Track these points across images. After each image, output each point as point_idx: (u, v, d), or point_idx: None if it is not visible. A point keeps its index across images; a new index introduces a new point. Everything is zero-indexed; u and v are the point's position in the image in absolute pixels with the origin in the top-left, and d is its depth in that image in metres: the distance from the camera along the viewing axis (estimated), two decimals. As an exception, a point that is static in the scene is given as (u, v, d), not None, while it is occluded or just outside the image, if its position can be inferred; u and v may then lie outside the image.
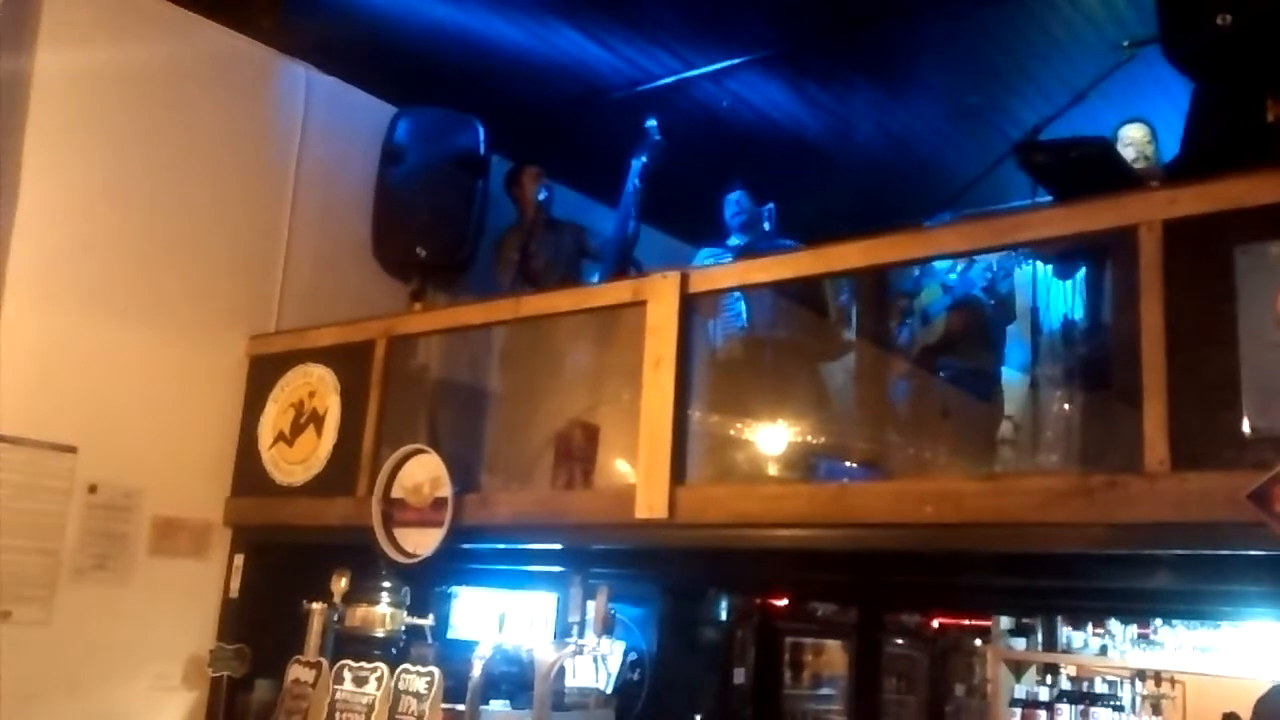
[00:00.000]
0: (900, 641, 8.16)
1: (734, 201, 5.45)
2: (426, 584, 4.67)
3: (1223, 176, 2.78)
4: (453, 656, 4.26)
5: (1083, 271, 4.26)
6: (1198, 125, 3.74)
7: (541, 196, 5.36)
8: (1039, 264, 4.53)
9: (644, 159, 5.21)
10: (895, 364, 5.34)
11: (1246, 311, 2.66)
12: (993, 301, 5.11)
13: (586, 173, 5.51)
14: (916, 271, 5.38)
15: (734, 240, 5.44)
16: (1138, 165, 4.28)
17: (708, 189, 5.50)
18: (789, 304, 5.25)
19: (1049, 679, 7.45)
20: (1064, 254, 4.28)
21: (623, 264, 5.25)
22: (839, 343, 5.37)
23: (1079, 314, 4.27)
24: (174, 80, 4.78)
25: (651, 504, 3.52)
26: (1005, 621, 7.49)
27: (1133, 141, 4.41)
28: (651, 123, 5.26)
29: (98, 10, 4.55)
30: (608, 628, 4.34)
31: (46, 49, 4.36)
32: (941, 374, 5.13)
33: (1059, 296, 4.39)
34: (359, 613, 4.22)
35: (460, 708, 3.96)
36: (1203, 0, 3.16)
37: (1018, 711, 7.41)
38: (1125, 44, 4.04)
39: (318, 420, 4.57)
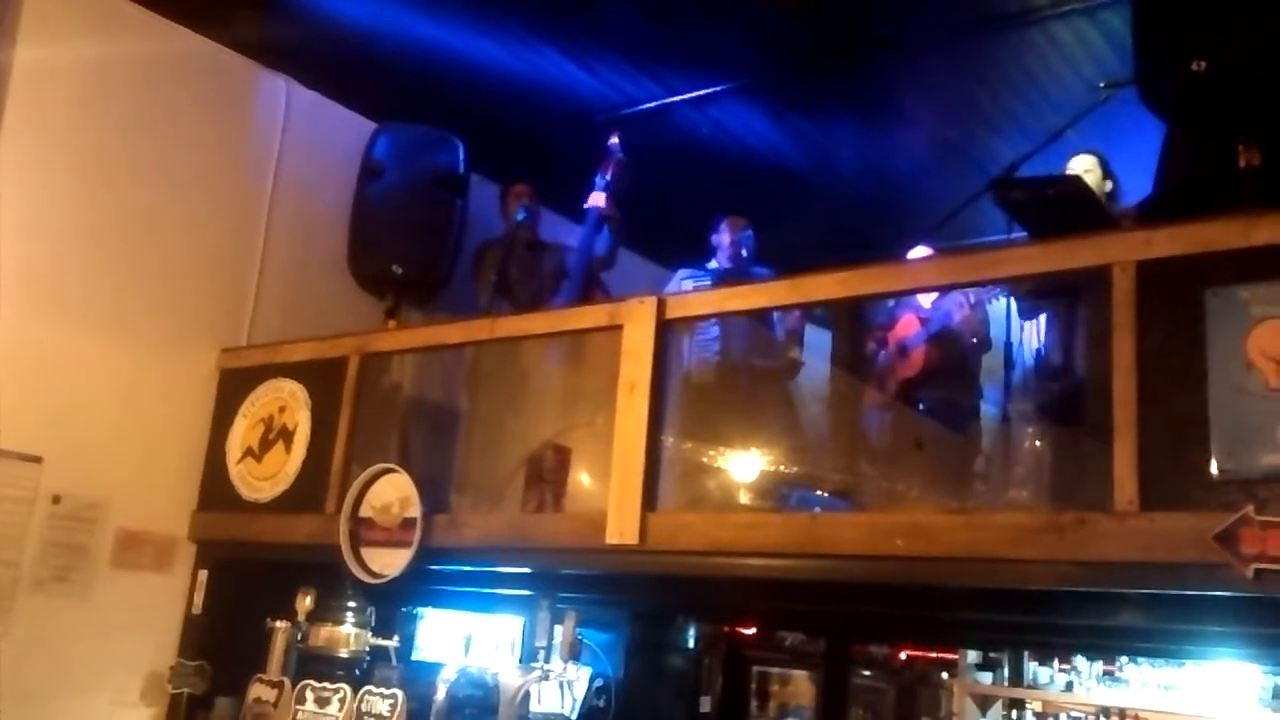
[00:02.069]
0: (867, 673, 8.13)
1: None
2: (392, 604, 4.63)
3: (1196, 220, 2.82)
4: (417, 679, 4.22)
5: (1044, 306, 4.30)
6: (1170, 167, 3.79)
7: (520, 217, 5.35)
8: (1011, 299, 4.56)
9: (607, 176, 5.23)
10: (871, 395, 5.35)
11: (1216, 354, 2.69)
12: (974, 340, 5.13)
13: (567, 195, 5.50)
14: (892, 302, 5.41)
15: (714, 264, 5.45)
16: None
17: (686, 214, 5.51)
18: (758, 328, 5.27)
19: (1015, 714, 7.44)
20: (1033, 292, 4.32)
21: (590, 282, 5.24)
22: (789, 362, 5.38)
23: (1049, 351, 4.30)
24: (154, 88, 4.76)
25: (622, 530, 3.51)
26: (972, 655, 7.49)
27: (1085, 171, 4.44)
28: (614, 140, 5.28)
29: (79, 16, 4.54)
30: (574, 653, 4.31)
31: (24, 52, 4.33)
32: (921, 406, 5.14)
33: (1031, 332, 4.42)
34: (323, 632, 4.18)
35: (423, 731, 3.92)
36: (1178, 46, 3.20)
37: (982, 745, 7.40)
38: (1102, 85, 4.10)
39: (287, 436, 4.54)
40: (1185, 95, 3.25)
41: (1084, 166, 4.40)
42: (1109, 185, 4.44)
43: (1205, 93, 3.19)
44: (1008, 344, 4.43)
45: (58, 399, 4.37)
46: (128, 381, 4.61)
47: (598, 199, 5.23)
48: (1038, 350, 4.35)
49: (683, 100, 5.46)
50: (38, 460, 4.28)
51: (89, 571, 4.43)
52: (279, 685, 4.10)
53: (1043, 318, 4.37)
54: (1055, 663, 7.23)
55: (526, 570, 4.16)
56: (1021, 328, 4.41)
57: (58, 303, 4.41)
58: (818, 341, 5.69)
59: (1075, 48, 4.71)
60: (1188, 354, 2.72)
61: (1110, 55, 4.58)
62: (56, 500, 4.34)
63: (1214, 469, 2.63)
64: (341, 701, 3.92)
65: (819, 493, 4.59)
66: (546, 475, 4.22)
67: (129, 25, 4.68)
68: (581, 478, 4.30)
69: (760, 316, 5.14)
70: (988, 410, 5.06)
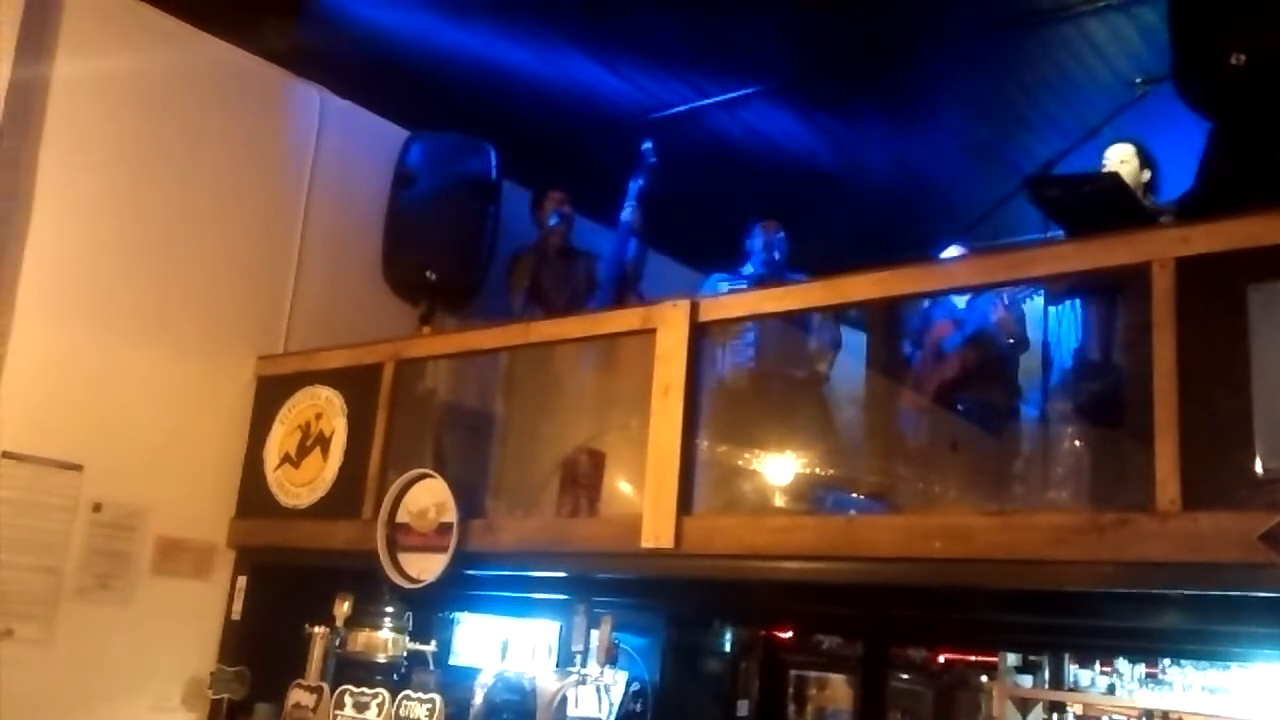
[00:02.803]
0: (906, 676, 8.05)
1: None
2: (429, 609, 4.64)
3: (1236, 215, 2.77)
4: (455, 683, 4.22)
5: (1082, 304, 4.25)
6: (1211, 163, 3.73)
7: (552, 222, 5.36)
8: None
9: (640, 182, 5.22)
10: (910, 398, 5.30)
11: (1259, 350, 2.64)
12: (1010, 340, 5.07)
13: (599, 200, 5.51)
14: (926, 303, 5.36)
15: (748, 269, 5.43)
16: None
17: (719, 217, 5.50)
18: (793, 333, 5.25)
19: (1055, 717, 7.37)
20: (1069, 290, 4.27)
21: (623, 287, 5.25)
22: (815, 374, 5.35)
23: (1088, 349, 4.25)
24: (189, 99, 4.81)
25: (658, 534, 3.50)
26: (1012, 658, 7.42)
27: (1121, 162, 4.38)
28: (647, 145, 5.28)
29: (116, 30, 4.60)
30: (611, 657, 4.31)
31: (63, 65, 4.39)
32: (958, 409, 5.09)
33: (1069, 330, 4.37)
34: (361, 637, 4.20)
35: (461, 735, 3.93)
36: (1217, 39, 3.16)
37: (1023, 749, 7.32)
38: (1138, 80, 4.05)
39: (324, 443, 4.57)
40: (1224, 89, 3.21)
41: (1120, 156, 4.34)
42: (1146, 175, 4.37)
43: (1245, 86, 3.15)
44: (1045, 344, 4.38)
45: (97, 408, 4.43)
46: (166, 390, 4.65)
47: (630, 210, 5.23)
48: (1076, 349, 4.30)
49: (713, 103, 5.46)
50: (78, 469, 4.33)
51: (130, 578, 4.48)
52: (318, 690, 4.12)
53: (1068, 304, 4.32)
54: (1096, 665, 7.15)
55: (562, 574, 4.16)
56: (1059, 320, 4.35)
57: (96, 312, 4.47)
58: (852, 343, 5.65)
59: (1110, 43, 4.66)
60: (1230, 351, 2.68)
61: (1146, 50, 4.53)
62: (97, 508, 4.39)
63: (1259, 468, 2.58)
64: (380, 706, 3.94)
65: (855, 495, 4.56)
66: (581, 479, 4.22)
67: (164, 37, 4.73)
68: (617, 482, 4.29)
69: (796, 322, 5.12)
70: (1026, 411, 5.01)
